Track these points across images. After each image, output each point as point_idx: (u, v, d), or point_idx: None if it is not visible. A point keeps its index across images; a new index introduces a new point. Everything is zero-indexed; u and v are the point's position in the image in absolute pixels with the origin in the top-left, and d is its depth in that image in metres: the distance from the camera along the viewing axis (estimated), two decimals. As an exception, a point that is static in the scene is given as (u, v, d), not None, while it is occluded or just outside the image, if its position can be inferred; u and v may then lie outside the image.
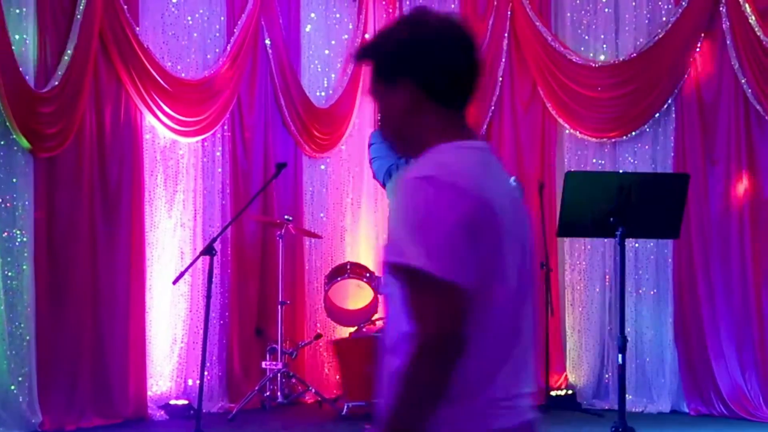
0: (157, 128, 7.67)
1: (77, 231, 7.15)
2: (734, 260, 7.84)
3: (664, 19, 8.19)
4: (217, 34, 8.10)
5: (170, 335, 7.78)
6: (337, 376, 8.18)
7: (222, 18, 8.11)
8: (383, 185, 5.29)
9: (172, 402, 7.60)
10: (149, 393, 7.54)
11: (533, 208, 7.77)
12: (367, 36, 8.87)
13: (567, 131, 8.44)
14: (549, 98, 8.47)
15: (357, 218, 8.98)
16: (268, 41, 8.29)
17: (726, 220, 7.90)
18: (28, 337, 6.83)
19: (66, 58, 6.98)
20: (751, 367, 7.71)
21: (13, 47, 6.69)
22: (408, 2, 8.89)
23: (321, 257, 8.72)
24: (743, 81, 7.79)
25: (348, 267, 8.06)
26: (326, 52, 8.82)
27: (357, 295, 8.09)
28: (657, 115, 8.18)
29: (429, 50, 2.20)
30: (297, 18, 8.65)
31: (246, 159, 8.24)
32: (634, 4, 8.29)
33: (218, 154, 8.11)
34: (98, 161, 7.32)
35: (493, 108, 8.52)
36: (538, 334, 2.30)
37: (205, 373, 6.96)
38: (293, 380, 8.04)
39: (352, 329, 8.04)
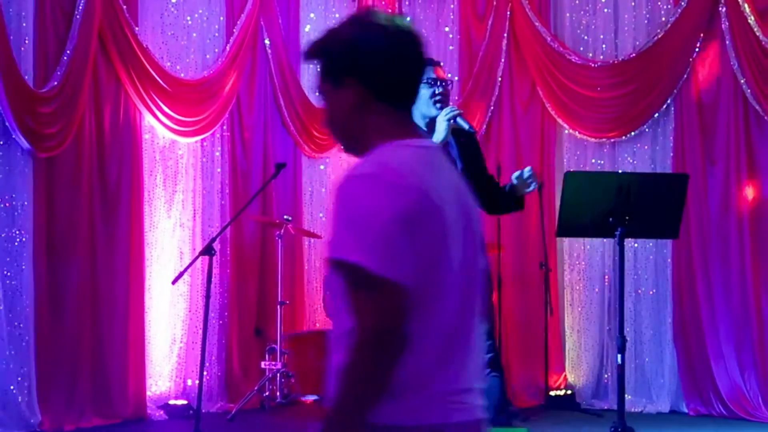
0: (157, 128, 7.67)
1: (76, 231, 7.15)
2: (733, 260, 7.84)
3: (663, 19, 8.19)
4: (217, 34, 8.10)
5: (169, 335, 7.78)
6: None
7: (221, 18, 8.11)
8: None
9: (172, 402, 7.60)
10: (148, 393, 7.54)
11: (532, 208, 7.76)
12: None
13: (566, 131, 8.44)
14: (548, 98, 8.47)
15: (356, 218, 8.96)
16: (267, 41, 8.29)
17: (725, 220, 7.90)
18: (27, 337, 6.82)
19: (65, 58, 6.98)
20: (751, 368, 7.71)
21: (12, 47, 6.69)
22: (407, 2, 8.89)
23: (320, 257, 8.72)
24: (742, 81, 7.80)
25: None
26: (326, 52, 8.80)
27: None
28: (656, 115, 8.19)
29: (375, 50, 2.24)
30: (296, 18, 8.65)
31: (245, 159, 8.24)
32: (633, 4, 8.29)
33: (217, 154, 8.11)
34: (97, 161, 7.32)
35: (492, 108, 8.52)
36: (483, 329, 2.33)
37: (205, 373, 6.96)
38: (292, 380, 8.04)
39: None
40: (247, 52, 8.16)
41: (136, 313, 7.46)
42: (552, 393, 8.03)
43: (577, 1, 8.48)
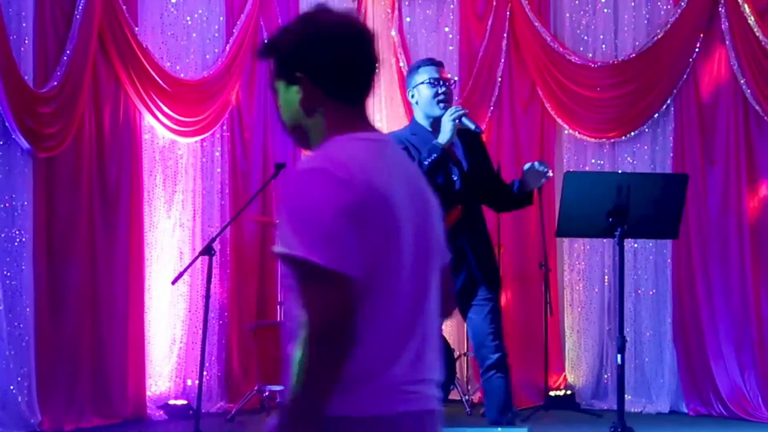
0: (156, 128, 7.68)
1: (76, 231, 7.15)
2: (733, 261, 7.84)
3: (663, 19, 8.19)
4: (216, 35, 8.10)
5: (169, 335, 7.78)
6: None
7: (221, 18, 8.11)
8: None
9: (171, 402, 7.60)
10: (148, 393, 7.55)
11: (532, 208, 7.75)
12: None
13: (566, 131, 8.44)
14: (548, 98, 8.47)
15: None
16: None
17: (725, 220, 7.90)
18: (27, 337, 6.83)
19: (65, 58, 6.99)
20: (750, 368, 7.71)
21: (11, 47, 6.70)
22: (407, 2, 8.89)
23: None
24: (742, 81, 7.80)
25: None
26: (325, 52, 8.80)
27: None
28: (656, 115, 8.19)
29: (322, 47, 2.28)
30: (296, 18, 8.64)
31: (245, 159, 8.24)
32: (633, 4, 8.29)
33: (217, 154, 8.11)
34: (97, 161, 7.32)
35: (492, 108, 8.52)
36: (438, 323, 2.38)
37: (204, 373, 6.96)
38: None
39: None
40: (246, 53, 8.16)
41: (136, 313, 7.47)
42: (552, 393, 8.02)
43: (576, 2, 8.48)
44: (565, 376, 8.42)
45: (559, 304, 8.40)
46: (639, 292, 8.20)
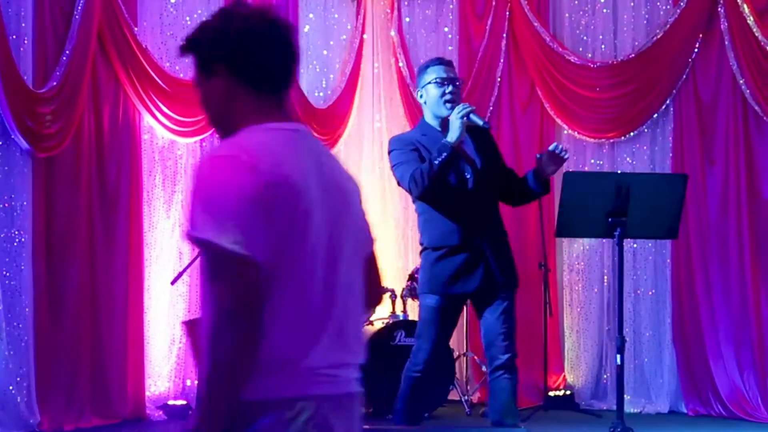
0: (156, 128, 7.67)
1: (76, 231, 7.15)
2: (733, 261, 7.85)
3: (662, 19, 8.19)
4: (216, 35, 8.08)
5: (168, 335, 7.77)
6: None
7: (220, 18, 8.10)
8: (409, 191, 5.19)
9: (171, 402, 7.60)
10: (147, 393, 7.54)
11: (532, 208, 7.75)
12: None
13: (565, 131, 8.44)
14: (547, 98, 8.47)
15: (355, 218, 8.96)
16: (266, 41, 8.28)
17: (724, 220, 7.91)
18: (26, 337, 6.83)
19: (64, 58, 6.99)
20: (750, 368, 7.72)
21: (11, 47, 6.70)
22: (406, 2, 8.89)
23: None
24: (741, 82, 7.80)
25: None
26: (324, 52, 8.81)
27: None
28: (655, 115, 8.19)
29: (239, 39, 2.35)
30: (295, 19, 8.63)
31: (244, 159, 8.23)
32: (632, 4, 8.29)
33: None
34: (96, 161, 7.32)
35: (491, 108, 8.52)
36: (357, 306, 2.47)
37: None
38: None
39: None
40: (246, 53, 8.14)
41: (136, 314, 7.46)
42: (551, 393, 8.03)
43: (576, 2, 8.48)
44: (564, 376, 8.42)
45: (559, 305, 8.41)
46: (638, 292, 8.21)
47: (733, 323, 7.81)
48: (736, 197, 7.87)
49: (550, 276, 8.01)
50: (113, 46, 7.32)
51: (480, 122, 5.15)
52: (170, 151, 7.84)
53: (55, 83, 6.92)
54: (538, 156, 5.27)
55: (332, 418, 2.29)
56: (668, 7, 8.18)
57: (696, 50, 8.04)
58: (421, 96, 5.35)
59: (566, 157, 5.22)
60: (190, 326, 2.34)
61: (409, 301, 7.98)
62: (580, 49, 8.45)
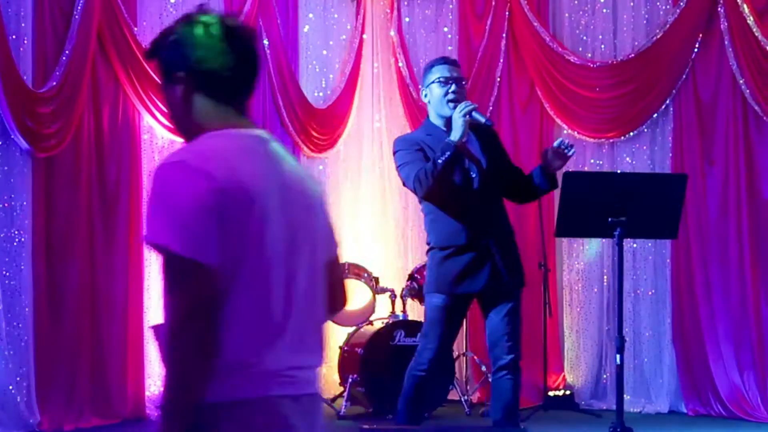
0: (155, 128, 7.67)
1: (75, 231, 7.15)
2: (732, 261, 7.85)
3: (662, 19, 8.19)
4: (215, 35, 8.08)
5: (168, 335, 7.76)
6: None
7: (220, 18, 8.10)
8: (414, 191, 5.18)
9: (170, 402, 7.58)
10: (147, 393, 7.54)
11: (531, 208, 7.74)
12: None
13: (565, 131, 8.43)
14: (547, 98, 8.48)
15: (355, 218, 8.97)
16: (266, 42, 8.28)
17: (724, 220, 7.90)
18: (26, 337, 6.83)
19: (64, 58, 6.99)
20: (749, 368, 7.72)
21: (10, 47, 6.70)
22: (406, 2, 8.89)
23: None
24: (741, 81, 7.80)
25: (346, 267, 8.05)
26: (324, 52, 8.82)
27: (355, 296, 8.09)
28: (655, 115, 8.19)
29: (198, 47, 2.38)
30: (295, 18, 8.65)
31: (244, 159, 8.23)
32: (632, 4, 8.29)
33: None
34: (96, 161, 7.32)
35: (491, 108, 8.51)
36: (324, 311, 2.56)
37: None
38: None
39: (351, 329, 8.05)
40: (246, 53, 8.14)
41: (135, 313, 7.46)
42: (551, 393, 8.03)
43: (575, 2, 8.48)
44: (564, 376, 8.42)
45: (558, 305, 8.41)
46: (638, 292, 8.21)
47: (732, 323, 7.81)
48: (736, 197, 7.87)
49: (549, 276, 8.01)
50: (113, 46, 7.31)
51: (482, 119, 5.14)
52: (170, 151, 7.83)
53: (54, 83, 6.92)
54: (543, 151, 5.26)
55: (293, 418, 2.33)
56: (668, 7, 8.18)
57: (696, 50, 8.04)
58: (425, 95, 5.35)
59: (570, 153, 5.18)
60: (157, 330, 2.36)
61: (409, 301, 7.98)
62: (580, 49, 8.45)
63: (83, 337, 7.16)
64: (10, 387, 6.68)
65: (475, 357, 8.13)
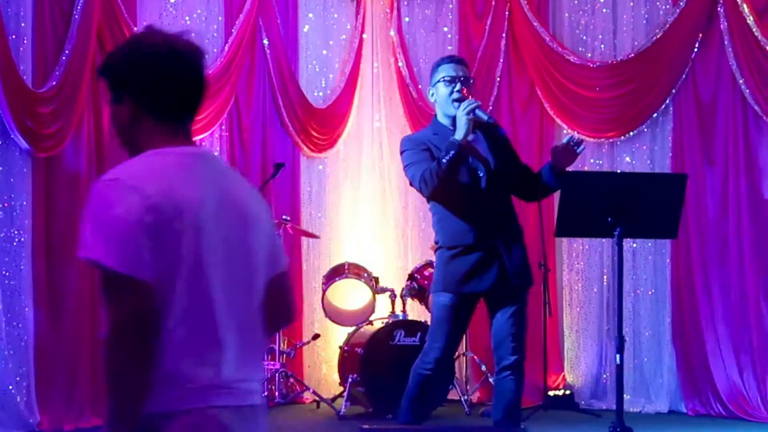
0: (155, 128, 7.67)
1: (75, 231, 7.09)
2: (732, 261, 7.85)
3: (662, 19, 8.19)
4: (215, 35, 8.10)
5: (168, 335, 7.76)
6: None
7: (220, 18, 8.11)
8: (420, 191, 5.16)
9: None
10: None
11: (531, 208, 7.74)
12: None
13: (565, 131, 8.42)
14: (547, 98, 8.48)
15: (355, 218, 8.98)
16: (266, 41, 8.29)
17: (724, 220, 7.90)
18: (26, 337, 6.83)
19: (64, 58, 6.99)
20: (749, 368, 7.72)
21: (10, 47, 6.70)
22: (405, 2, 8.89)
23: (319, 257, 8.72)
24: (741, 81, 7.80)
25: (346, 267, 8.06)
26: (324, 52, 8.82)
27: (355, 295, 8.10)
28: (655, 115, 8.19)
29: (143, 68, 2.45)
30: (295, 18, 8.65)
31: (244, 159, 8.24)
32: (632, 4, 8.29)
33: (216, 154, 8.11)
34: (96, 161, 7.31)
35: (491, 108, 8.51)
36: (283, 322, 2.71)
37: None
38: (291, 380, 8.05)
39: (351, 329, 8.05)
40: (245, 53, 8.16)
41: (135, 313, 7.44)
42: (551, 393, 8.03)
43: (575, 1, 8.48)
44: (564, 375, 8.42)
45: (558, 304, 8.41)
46: (638, 292, 8.21)
47: (732, 323, 7.81)
48: (735, 197, 7.87)
49: (549, 276, 7.99)
50: (113, 46, 7.30)
51: (484, 117, 5.11)
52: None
53: (54, 83, 6.92)
54: (552, 148, 5.25)
55: (233, 428, 2.38)
56: (668, 6, 8.18)
57: (695, 50, 8.04)
58: (432, 95, 5.35)
59: (580, 151, 5.16)
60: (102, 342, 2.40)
61: (409, 300, 7.98)
62: (580, 48, 8.45)
63: (83, 337, 7.15)
64: (10, 387, 6.68)
65: (475, 357, 8.13)
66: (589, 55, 8.42)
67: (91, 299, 7.23)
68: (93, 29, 7.15)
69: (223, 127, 8.12)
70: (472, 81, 5.34)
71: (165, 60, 2.44)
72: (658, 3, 8.23)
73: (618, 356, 5.42)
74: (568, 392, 8.15)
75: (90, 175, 7.24)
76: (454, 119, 5.15)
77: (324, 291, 8.03)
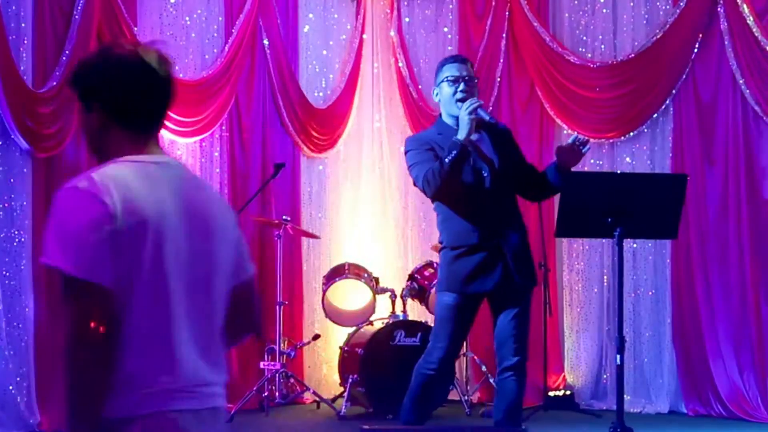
0: (155, 128, 7.66)
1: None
2: (732, 261, 7.85)
3: (662, 19, 8.19)
4: (215, 35, 8.10)
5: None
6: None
7: (220, 18, 8.11)
8: (424, 191, 5.15)
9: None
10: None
11: (531, 208, 7.73)
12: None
13: (565, 131, 8.43)
14: (547, 99, 8.48)
15: (355, 218, 8.98)
16: (266, 42, 8.29)
17: (724, 220, 7.90)
18: (26, 338, 6.83)
19: (64, 58, 6.99)
20: (749, 368, 7.72)
21: (10, 47, 6.70)
22: (405, 3, 8.89)
23: (319, 258, 8.72)
24: (741, 82, 7.80)
25: (346, 267, 8.06)
26: (324, 52, 8.82)
27: (355, 296, 8.10)
28: (655, 115, 8.19)
29: (110, 81, 2.49)
30: (295, 18, 8.65)
31: (244, 159, 8.24)
32: (632, 4, 8.29)
33: (216, 154, 8.11)
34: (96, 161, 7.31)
35: (491, 108, 8.51)
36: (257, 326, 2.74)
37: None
38: (291, 380, 8.04)
39: (351, 329, 8.05)
40: (245, 53, 8.16)
41: (135, 314, 7.45)
42: (551, 393, 8.03)
43: (575, 2, 8.48)
44: (564, 376, 8.42)
45: (559, 305, 8.41)
46: (638, 292, 8.21)
47: (732, 323, 7.81)
48: (735, 197, 7.87)
49: (549, 276, 8.00)
50: (113, 46, 7.31)
51: (486, 116, 5.10)
52: (170, 151, 7.84)
53: (54, 83, 6.92)
54: (557, 148, 5.24)
55: (191, 431, 2.41)
56: (668, 7, 8.18)
57: (696, 50, 8.04)
58: (436, 94, 5.34)
59: (585, 150, 5.15)
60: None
61: (409, 301, 7.98)
62: (580, 49, 8.45)
63: (83, 338, 7.14)
64: (10, 387, 6.68)
65: (476, 357, 8.13)
66: (589, 55, 8.42)
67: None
68: (93, 29, 7.15)
69: (224, 128, 8.12)
70: (476, 80, 5.33)
71: (133, 70, 2.48)
72: (658, 3, 8.23)
73: (618, 356, 5.41)
74: (568, 392, 8.15)
75: (90, 175, 7.24)
76: (457, 119, 5.14)
77: (324, 291, 8.03)
